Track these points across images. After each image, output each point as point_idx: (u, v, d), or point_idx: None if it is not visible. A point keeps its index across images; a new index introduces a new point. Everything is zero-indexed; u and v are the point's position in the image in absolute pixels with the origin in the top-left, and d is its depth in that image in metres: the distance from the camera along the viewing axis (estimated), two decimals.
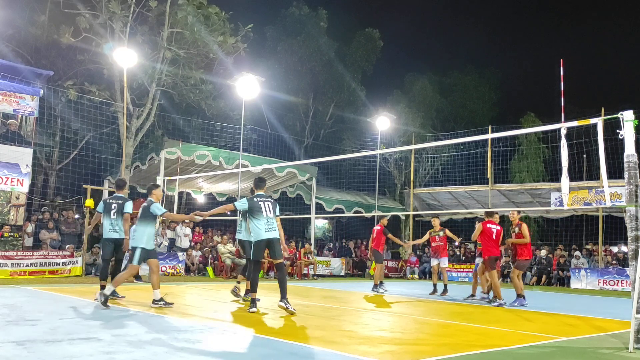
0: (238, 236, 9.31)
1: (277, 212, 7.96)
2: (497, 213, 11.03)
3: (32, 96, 14.45)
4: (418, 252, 22.99)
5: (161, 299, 7.86)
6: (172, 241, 17.06)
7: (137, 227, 7.98)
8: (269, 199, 8.02)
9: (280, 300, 7.55)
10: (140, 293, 10.22)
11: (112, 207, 8.61)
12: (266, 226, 7.77)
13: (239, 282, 9.77)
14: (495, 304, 10.01)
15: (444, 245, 12.77)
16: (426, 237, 13.16)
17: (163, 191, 14.29)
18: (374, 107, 27.19)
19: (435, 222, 12.90)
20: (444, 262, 12.77)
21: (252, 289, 7.82)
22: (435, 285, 12.80)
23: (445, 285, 12.54)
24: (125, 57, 14.92)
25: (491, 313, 8.98)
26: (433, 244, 12.88)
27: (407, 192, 24.88)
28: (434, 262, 12.87)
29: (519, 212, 10.59)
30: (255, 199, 7.91)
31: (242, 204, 7.90)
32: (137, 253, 7.76)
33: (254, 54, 25.40)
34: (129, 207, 8.54)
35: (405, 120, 25.91)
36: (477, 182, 22.82)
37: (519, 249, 10.19)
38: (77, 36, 16.41)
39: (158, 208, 7.97)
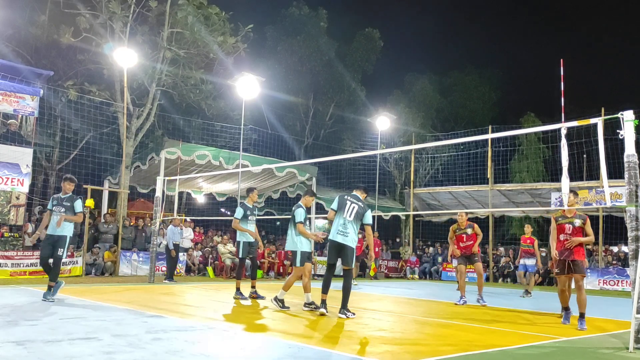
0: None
1: (368, 221, 7.56)
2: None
3: (32, 96, 14.44)
4: (418, 252, 22.99)
5: (312, 303, 8.09)
6: None
7: (294, 231, 8.23)
8: (359, 203, 7.58)
9: (340, 311, 7.49)
10: (138, 293, 10.23)
11: None
12: (341, 229, 7.50)
13: (253, 287, 9.78)
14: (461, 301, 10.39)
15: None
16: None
17: (163, 191, 14.30)
18: (374, 107, 27.20)
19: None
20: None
21: (323, 290, 7.65)
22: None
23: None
24: (125, 57, 14.92)
25: (491, 313, 8.98)
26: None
27: (407, 192, 24.87)
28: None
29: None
30: (345, 197, 7.69)
31: (333, 204, 7.70)
32: (299, 255, 8.17)
33: (254, 54, 25.41)
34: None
35: (405, 120, 25.91)
36: (477, 182, 22.81)
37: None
38: (77, 36, 16.40)
39: (299, 215, 8.20)
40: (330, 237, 7.62)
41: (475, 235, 10.27)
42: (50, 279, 8.35)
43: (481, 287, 10.33)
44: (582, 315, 7.27)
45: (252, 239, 9.65)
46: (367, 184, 24.86)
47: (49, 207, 8.49)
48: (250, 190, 9.94)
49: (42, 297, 8.18)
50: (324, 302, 7.59)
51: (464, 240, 10.29)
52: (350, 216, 7.50)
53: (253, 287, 9.75)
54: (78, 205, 8.52)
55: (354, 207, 7.52)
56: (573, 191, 7.46)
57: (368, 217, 7.59)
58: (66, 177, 8.74)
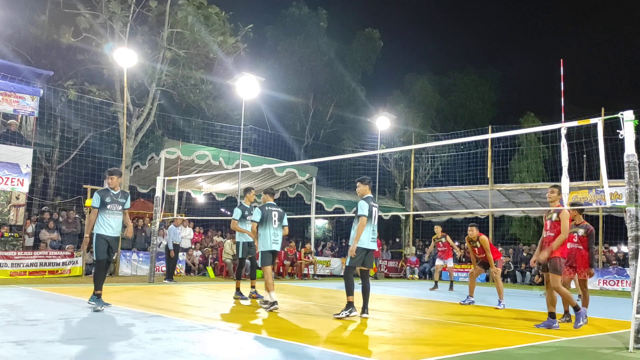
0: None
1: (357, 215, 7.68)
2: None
3: (32, 96, 14.44)
4: (418, 252, 22.99)
5: (266, 302, 8.08)
6: None
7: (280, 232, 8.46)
8: (376, 204, 7.76)
9: (365, 311, 7.54)
10: (138, 293, 10.23)
11: None
12: (372, 235, 7.55)
13: (253, 287, 9.76)
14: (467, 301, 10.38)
15: (448, 250, 14.73)
16: (432, 244, 15.15)
17: (163, 191, 14.30)
18: (374, 107, 27.19)
19: (437, 230, 14.74)
20: (450, 263, 14.80)
21: (348, 292, 7.52)
22: (436, 282, 14.90)
23: (451, 282, 14.82)
24: (125, 57, 14.92)
25: (491, 313, 8.98)
26: (438, 249, 14.82)
27: (407, 192, 24.87)
28: (439, 262, 14.91)
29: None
30: (372, 204, 7.67)
31: (361, 209, 7.50)
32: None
33: (254, 54, 25.41)
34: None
35: (405, 120, 25.91)
36: (477, 182, 22.82)
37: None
38: (77, 36, 16.40)
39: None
40: (365, 245, 7.48)
41: (483, 250, 10.09)
42: (101, 285, 7.48)
43: (500, 292, 10.02)
44: (550, 315, 7.23)
45: (251, 239, 9.66)
46: None
47: (97, 204, 7.50)
48: (247, 190, 9.92)
49: (93, 309, 7.21)
50: (350, 304, 7.47)
51: (477, 252, 10.33)
52: (375, 221, 7.68)
53: (253, 287, 9.77)
54: (129, 202, 7.92)
55: (376, 211, 7.74)
56: (554, 185, 7.35)
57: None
58: (116, 170, 7.86)
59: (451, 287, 14.63)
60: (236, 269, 10.22)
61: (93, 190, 14.81)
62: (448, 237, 14.86)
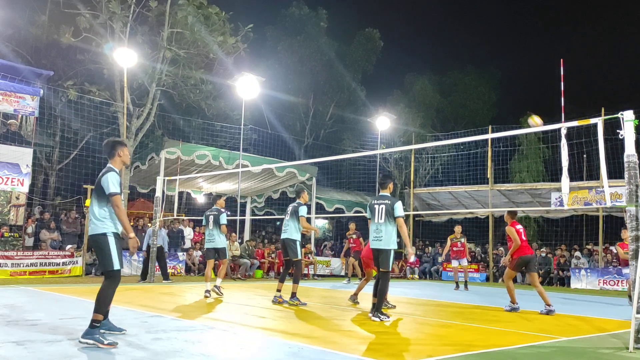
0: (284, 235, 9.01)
1: (397, 213, 7.26)
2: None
3: (32, 96, 14.46)
4: (418, 252, 22.98)
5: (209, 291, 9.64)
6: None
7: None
8: (385, 201, 7.37)
9: (371, 313, 7.32)
10: (138, 293, 10.23)
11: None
12: (375, 234, 7.39)
13: (279, 291, 9.17)
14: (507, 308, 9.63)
15: (464, 250, 14.70)
16: (448, 244, 14.93)
17: (163, 191, 14.29)
18: (374, 107, 27.23)
19: (457, 229, 14.76)
20: (464, 262, 14.81)
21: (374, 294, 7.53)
22: (457, 282, 14.93)
23: (466, 282, 14.91)
24: (125, 57, 14.92)
25: (491, 313, 8.98)
26: (454, 249, 14.71)
27: (407, 192, 24.87)
28: (454, 263, 14.86)
29: None
30: (372, 202, 7.51)
31: (368, 213, 7.54)
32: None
33: (254, 54, 25.42)
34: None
35: (405, 120, 25.93)
36: (477, 182, 22.81)
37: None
38: (77, 36, 16.41)
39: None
40: (370, 245, 7.62)
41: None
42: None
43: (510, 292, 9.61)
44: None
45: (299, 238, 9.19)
46: (367, 183, 24.93)
47: (117, 190, 5.19)
48: (302, 190, 9.49)
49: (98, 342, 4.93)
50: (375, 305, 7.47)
51: (457, 245, 10.80)
52: (381, 219, 7.32)
53: (279, 290, 9.22)
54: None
55: (382, 208, 7.34)
56: None
57: (397, 210, 7.28)
58: (123, 142, 5.72)
59: (466, 287, 14.69)
60: (295, 272, 9.08)
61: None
62: (464, 239, 14.87)
